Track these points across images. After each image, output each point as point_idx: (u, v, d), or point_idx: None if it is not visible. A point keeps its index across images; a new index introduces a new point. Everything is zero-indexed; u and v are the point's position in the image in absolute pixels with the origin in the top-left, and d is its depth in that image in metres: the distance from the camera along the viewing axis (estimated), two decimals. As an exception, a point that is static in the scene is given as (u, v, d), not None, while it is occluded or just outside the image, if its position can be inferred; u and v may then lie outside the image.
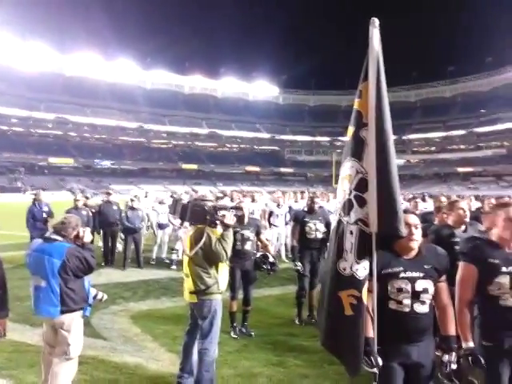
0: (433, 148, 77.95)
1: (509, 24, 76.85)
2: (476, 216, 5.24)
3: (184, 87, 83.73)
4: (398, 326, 2.35)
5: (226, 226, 3.54)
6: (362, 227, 2.34)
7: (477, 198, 14.88)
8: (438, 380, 2.46)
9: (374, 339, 2.34)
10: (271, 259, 4.89)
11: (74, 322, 3.21)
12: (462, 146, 73.32)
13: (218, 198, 10.18)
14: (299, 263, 5.47)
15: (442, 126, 75.72)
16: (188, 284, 3.58)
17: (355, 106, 2.47)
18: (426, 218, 5.07)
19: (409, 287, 2.35)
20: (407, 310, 2.35)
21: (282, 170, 78.77)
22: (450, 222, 3.86)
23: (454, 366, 2.33)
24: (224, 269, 3.65)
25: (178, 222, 8.42)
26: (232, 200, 10.20)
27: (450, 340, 2.41)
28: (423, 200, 10.54)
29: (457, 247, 3.09)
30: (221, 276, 3.60)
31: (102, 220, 9.23)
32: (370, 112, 2.36)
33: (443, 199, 5.77)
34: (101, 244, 9.76)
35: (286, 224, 9.62)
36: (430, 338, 2.44)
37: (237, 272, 4.99)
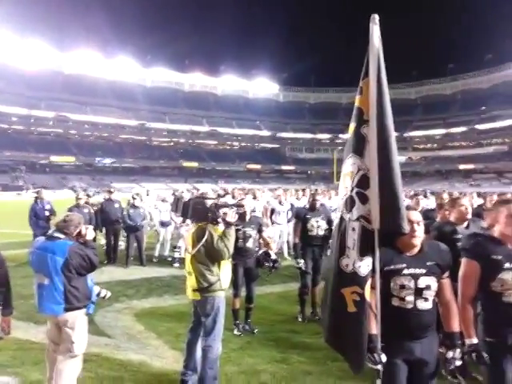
0: (434, 145, 77.84)
1: (509, 21, 76.67)
2: (478, 213, 5.25)
3: (184, 85, 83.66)
4: (401, 322, 2.36)
5: (227, 224, 3.55)
6: (364, 224, 2.34)
7: (479, 194, 14.88)
8: (441, 376, 2.47)
9: (378, 336, 2.34)
10: (273, 257, 4.90)
11: (77, 319, 3.23)
12: (463, 143, 73.26)
13: (219, 196, 10.19)
14: (301, 260, 5.48)
15: (442, 123, 75.63)
16: (191, 282, 3.59)
17: (356, 103, 2.47)
18: (427, 215, 5.08)
19: (412, 284, 2.35)
20: (410, 306, 2.36)
21: (283, 167, 78.72)
22: (452, 218, 3.86)
23: (458, 363, 2.34)
24: (226, 266, 3.66)
25: (179, 219, 8.44)
26: (233, 198, 10.21)
27: (454, 336, 2.41)
28: (425, 197, 10.55)
29: (459, 244, 3.09)
30: (223, 273, 3.61)
31: (104, 218, 9.25)
32: (371, 109, 2.36)
33: (445, 196, 5.78)
34: (103, 242, 9.79)
35: (288, 221, 9.62)
36: (433, 334, 2.45)
37: (239, 269, 5.00)
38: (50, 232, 3.38)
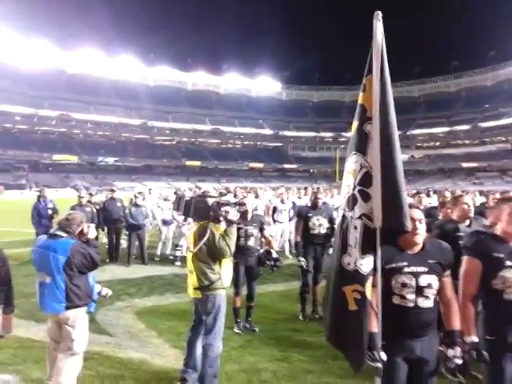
0: (437, 143, 77.63)
1: (511, 18, 76.34)
2: (480, 211, 5.22)
3: (187, 83, 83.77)
4: (402, 320, 2.35)
5: (229, 222, 3.54)
6: (366, 222, 2.33)
7: (481, 193, 14.83)
8: (441, 375, 2.45)
9: (378, 334, 2.33)
10: (275, 255, 4.90)
11: (78, 317, 3.23)
12: (467, 141, 72.98)
13: (221, 194, 10.18)
14: (303, 259, 5.47)
15: (445, 121, 75.40)
16: (192, 280, 3.59)
17: (359, 101, 2.46)
18: (430, 213, 5.05)
19: (413, 282, 2.34)
20: (411, 304, 2.35)
21: (286, 166, 78.72)
22: (454, 216, 3.84)
23: (458, 361, 2.33)
24: (228, 265, 3.66)
25: (181, 218, 8.44)
26: (235, 196, 10.21)
27: (455, 335, 2.40)
28: (428, 195, 10.53)
29: (461, 242, 3.07)
30: (224, 272, 3.60)
31: (106, 217, 9.27)
32: (374, 106, 2.34)
33: (447, 194, 5.75)
34: (105, 241, 9.80)
35: (290, 220, 9.62)
36: (433, 332, 2.44)
37: (240, 268, 5.00)
38: (52, 230, 3.38)
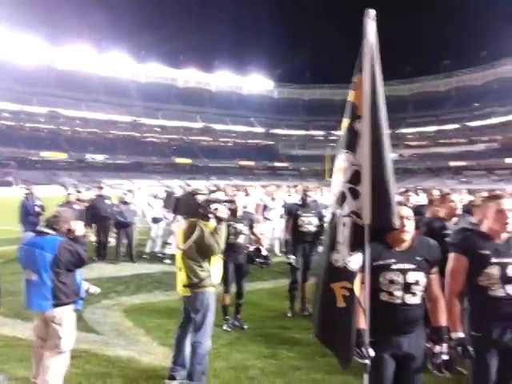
0: (426, 142, 78.26)
1: (503, 19, 77.26)
2: (467, 209, 5.28)
3: (178, 81, 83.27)
4: (390, 317, 2.37)
5: (218, 220, 3.53)
6: (355, 219, 2.34)
7: (468, 191, 14.99)
8: (427, 370, 2.48)
9: (366, 330, 2.35)
10: (264, 253, 4.91)
11: (65, 315, 3.20)
12: (455, 140, 73.67)
13: (211, 192, 10.16)
14: (292, 256, 5.49)
15: (435, 120, 76.01)
16: (181, 277, 3.58)
17: (350, 98, 2.46)
18: (418, 211, 5.08)
19: (400, 279, 2.36)
20: (398, 301, 2.37)
21: (276, 164, 78.76)
22: (441, 214, 3.89)
23: (444, 357, 2.35)
24: (217, 262, 3.65)
25: (171, 215, 8.42)
26: (225, 194, 10.19)
27: (441, 331, 2.42)
28: (416, 194, 10.60)
29: (448, 239, 3.11)
30: (214, 269, 3.60)
31: (95, 214, 9.18)
32: (365, 104, 2.35)
33: (435, 192, 5.81)
34: (93, 238, 9.72)
35: (280, 218, 9.62)
36: (420, 329, 2.46)
37: (230, 265, 4.99)
38: (39, 228, 3.35)
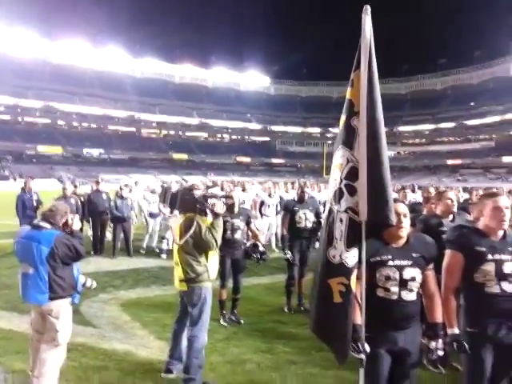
0: (422, 140, 78.46)
1: (499, 18, 77.39)
2: (464, 207, 5.32)
3: (174, 76, 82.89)
4: (386, 313, 2.39)
5: (215, 215, 3.54)
6: (351, 215, 2.35)
7: (465, 189, 15.08)
8: (422, 366, 2.51)
9: (362, 326, 2.37)
10: (261, 248, 4.92)
11: (62, 308, 3.21)
12: (452, 139, 73.93)
13: (208, 187, 10.16)
14: (289, 252, 5.50)
15: (431, 118, 76.20)
16: (178, 272, 3.58)
17: (347, 95, 2.47)
18: (414, 209, 5.13)
19: (397, 275, 2.38)
20: (395, 297, 2.38)
21: (273, 160, 78.68)
22: (438, 211, 3.90)
23: (440, 353, 2.38)
24: (214, 257, 3.66)
25: (168, 210, 8.41)
26: (222, 189, 10.20)
27: (437, 327, 2.45)
28: (413, 191, 10.66)
29: (444, 236, 3.13)
30: (211, 264, 3.60)
31: (91, 209, 9.17)
32: (362, 101, 2.35)
33: (432, 190, 5.84)
34: (90, 233, 9.71)
35: (277, 214, 9.65)
36: (416, 325, 2.48)
37: (227, 261, 5.00)
38: (35, 221, 3.34)
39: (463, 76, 77.56)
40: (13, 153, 58.68)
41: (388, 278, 2.38)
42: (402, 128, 77.21)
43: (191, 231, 3.44)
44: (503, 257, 2.49)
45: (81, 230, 3.61)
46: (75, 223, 3.34)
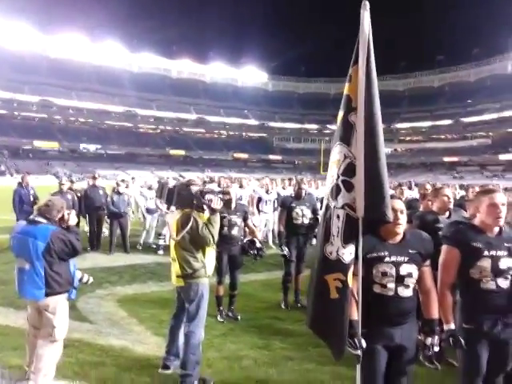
0: (420, 137, 78.57)
1: (497, 16, 77.46)
2: (460, 203, 5.34)
3: (172, 71, 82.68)
4: (382, 309, 2.39)
5: (212, 211, 3.53)
6: (348, 212, 2.35)
7: (461, 186, 15.12)
8: (418, 362, 2.52)
9: (358, 322, 2.37)
10: (258, 245, 4.91)
11: (59, 304, 3.21)
12: (449, 136, 74.07)
13: (205, 183, 10.15)
14: (286, 248, 5.50)
15: (429, 115, 76.28)
16: (175, 268, 3.58)
17: (345, 91, 2.46)
18: (411, 205, 5.15)
19: (393, 271, 2.38)
20: (391, 293, 2.38)
21: (271, 157, 78.69)
22: (434, 208, 3.91)
23: (436, 349, 2.39)
24: (211, 253, 3.66)
25: (165, 206, 8.40)
26: (219, 186, 10.19)
27: (433, 323, 2.45)
28: (410, 188, 10.66)
29: (441, 233, 3.13)
30: (207, 260, 3.60)
31: (88, 204, 9.14)
32: (360, 96, 2.34)
33: (428, 187, 5.84)
34: (87, 229, 9.69)
35: (275, 210, 9.65)
36: (413, 321, 2.49)
37: (224, 257, 5.00)
38: (31, 216, 3.33)
39: (461, 73, 77.71)
40: (9, 148, 58.44)
41: (384, 274, 2.38)
42: (399, 125, 77.31)
43: (188, 227, 3.43)
44: (499, 253, 2.50)
45: (77, 225, 3.60)
46: (71, 218, 3.33)
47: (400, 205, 2.48)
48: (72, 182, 10.40)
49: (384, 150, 2.37)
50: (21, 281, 3.19)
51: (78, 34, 71.26)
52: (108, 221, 9.35)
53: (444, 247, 2.63)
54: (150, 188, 9.84)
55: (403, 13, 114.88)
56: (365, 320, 2.38)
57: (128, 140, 69.51)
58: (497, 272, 2.48)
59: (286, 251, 5.49)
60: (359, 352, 2.31)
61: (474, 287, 2.53)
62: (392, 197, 2.52)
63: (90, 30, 76.00)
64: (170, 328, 3.76)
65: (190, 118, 78.51)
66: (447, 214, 3.84)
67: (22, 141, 60.15)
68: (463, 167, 65.67)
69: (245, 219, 5.15)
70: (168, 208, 7.60)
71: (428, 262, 2.52)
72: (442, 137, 74.95)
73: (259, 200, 9.88)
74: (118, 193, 8.97)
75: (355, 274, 2.38)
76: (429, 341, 2.40)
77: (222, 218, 4.21)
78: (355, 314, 2.38)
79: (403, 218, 2.45)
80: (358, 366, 2.39)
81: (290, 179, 13.70)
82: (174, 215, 3.73)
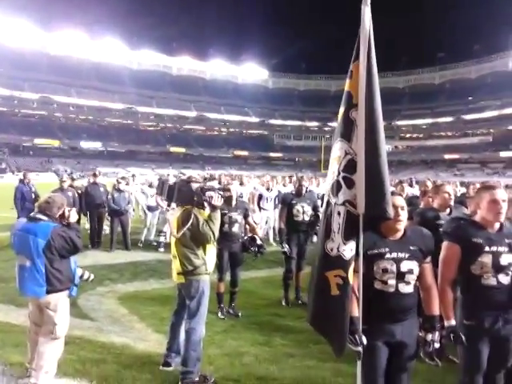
0: (420, 134, 78.47)
1: (498, 13, 77.23)
2: (461, 200, 5.32)
3: (172, 68, 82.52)
4: (383, 305, 2.39)
5: (213, 207, 3.53)
6: (349, 208, 2.34)
7: (462, 183, 15.11)
8: (419, 358, 2.52)
9: (359, 318, 2.37)
10: (259, 242, 4.91)
11: (60, 301, 3.21)
12: (449, 133, 73.94)
13: (205, 180, 10.15)
14: (286, 245, 5.51)
15: (429, 112, 76.17)
16: (176, 265, 3.58)
17: (346, 87, 2.45)
18: (412, 202, 5.14)
19: (394, 268, 2.38)
20: (392, 290, 2.38)
21: (271, 154, 78.64)
22: (435, 205, 3.91)
23: (436, 345, 2.39)
24: (211, 250, 3.66)
25: (165, 203, 8.40)
26: (220, 183, 10.20)
27: (434, 320, 2.45)
28: (410, 185, 10.65)
29: (441, 229, 3.13)
30: (208, 257, 3.60)
31: (89, 201, 9.14)
32: (360, 92, 2.34)
33: (429, 184, 5.84)
34: (87, 226, 9.69)
35: (275, 208, 9.66)
36: (413, 317, 2.49)
37: (224, 254, 5.01)
38: (32, 214, 3.33)
39: (462, 70, 77.51)
40: (9, 145, 58.43)
41: (385, 271, 2.38)
42: (399, 122, 77.14)
43: (189, 224, 3.43)
44: (500, 249, 2.50)
45: (78, 222, 3.60)
46: (72, 215, 3.33)
47: (401, 201, 2.47)
48: (73, 179, 10.41)
49: (385, 146, 2.36)
50: (22, 278, 3.19)
51: (77, 31, 71.11)
52: (109, 218, 9.36)
53: (445, 243, 2.63)
54: (150, 185, 9.84)
55: (403, 12, 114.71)
56: (365, 316, 2.38)
57: (128, 137, 69.49)
58: (498, 268, 2.48)
59: (286, 248, 5.49)
60: (360, 348, 2.31)
61: (475, 283, 2.53)
62: (393, 193, 2.52)
63: (89, 27, 75.63)
64: (171, 324, 3.76)
65: (190, 115, 78.38)
66: (448, 210, 3.84)
67: (22, 138, 60.15)
68: (464, 164, 65.59)
69: (245, 216, 5.16)
70: (168, 205, 7.59)
71: (429, 259, 2.51)
72: (443, 134, 74.80)
73: (260, 197, 9.88)
74: (119, 190, 8.97)
75: (356, 271, 2.38)
76: (429, 337, 2.40)
77: (222, 215, 4.21)
78: (356, 310, 2.38)
79: (404, 215, 2.44)
80: (359, 363, 2.39)
81: (290, 176, 13.71)
82: (174, 212, 3.73)
